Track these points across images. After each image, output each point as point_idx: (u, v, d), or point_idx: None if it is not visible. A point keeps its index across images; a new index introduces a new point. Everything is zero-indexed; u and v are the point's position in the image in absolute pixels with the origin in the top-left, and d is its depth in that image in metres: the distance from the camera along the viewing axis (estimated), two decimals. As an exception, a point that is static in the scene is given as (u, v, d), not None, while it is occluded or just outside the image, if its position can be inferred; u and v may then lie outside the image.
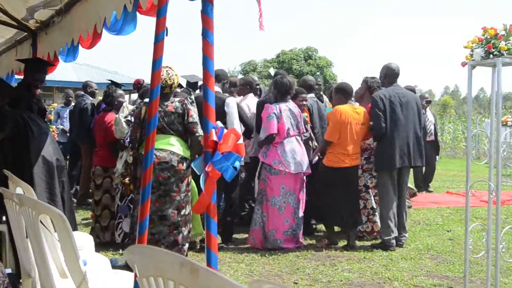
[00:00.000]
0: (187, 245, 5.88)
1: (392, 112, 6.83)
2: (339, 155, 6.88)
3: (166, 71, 5.76)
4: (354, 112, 6.94)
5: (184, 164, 5.74)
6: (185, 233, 5.83)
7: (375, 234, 7.32)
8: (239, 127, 6.84)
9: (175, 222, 5.71)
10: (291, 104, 7.04)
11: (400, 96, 6.90)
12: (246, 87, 8.12)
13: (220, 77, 7.19)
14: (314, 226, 7.90)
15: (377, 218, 7.30)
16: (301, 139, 7.06)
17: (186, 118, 5.75)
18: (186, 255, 5.74)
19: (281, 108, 6.89)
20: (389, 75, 7.04)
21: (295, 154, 6.84)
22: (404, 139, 6.84)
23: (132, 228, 5.95)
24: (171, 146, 5.72)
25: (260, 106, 7.17)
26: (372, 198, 7.40)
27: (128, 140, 6.57)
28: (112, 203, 7.10)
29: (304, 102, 7.52)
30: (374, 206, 7.38)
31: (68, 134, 11.27)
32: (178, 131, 5.77)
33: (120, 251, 6.50)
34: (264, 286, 1.17)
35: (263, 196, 6.93)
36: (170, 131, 5.74)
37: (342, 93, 7.12)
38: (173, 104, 5.78)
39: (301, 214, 6.97)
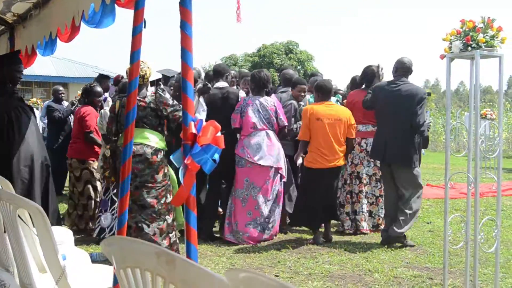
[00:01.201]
0: (173, 233, 5.91)
1: (382, 104, 6.85)
2: (313, 154, 6.83)
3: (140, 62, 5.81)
4: (327, 108, 6.86)
5: (159, 156, 5.80)
6: (169, 221, 5.86)
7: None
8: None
9: (156, 211, 5.75)
10: (266, 99, 7.06)
11: (394, 91, 6.74)
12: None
13: (222, 72, 7.35)
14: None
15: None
16: (274, 133, 7.04)
17: (162, 110, 5.80)
18: (174, 243, 5.86)
19: (250, 102, 6.97)
20: (400, 68, 6.85)
21: (260, 148, 6.87)
22: (385, 134, 6.75)
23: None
24: (145, 140, 5.78)
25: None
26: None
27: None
28: (95, 193, 7.30)
29: (303, 94, 7.54)
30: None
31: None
32: (151, 125, 5.84)
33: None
34: (240, 274, 1.17)
35: (233, 187, 7.06)
36: (143, 124, 5.79)
37: (319, 91, 7.00)
38: (146, 99, 5.83)
39: (269, 208, 6.93)
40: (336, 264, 5.89)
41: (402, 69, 6.84)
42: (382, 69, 7.57)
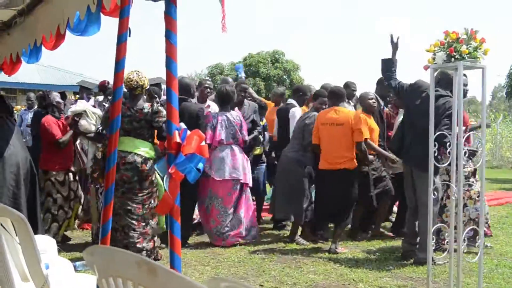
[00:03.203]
0: (157, 237, 6.20)
1: (409, 105, 6.61)
2: (321, 157, 7.07)
3: (136, 73, 6.13)
4: (333, 113, 6.99)
5: (148, 164, 6.08)
6: (154, 225, 6.16)
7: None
8: None
9: (140, 215, 6.02)
10: (231, 114, 7.34)
11: (423, 94, 6.35)
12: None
13: (186, 89, 7.20)
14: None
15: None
16: (239, 147, 7.32)
17: (156, 122, 6.09)
18: (156, 247, 6.18)
19: (219, 119, 7.27)
20: (442, 79, 6.36)
21: (224, 162, 7.18)
22: (410, 136, 6.48)
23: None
24: (136, 149, 6.05)
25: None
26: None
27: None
28: (53, 206, 7.13)
29: (324, 106, 7.57)
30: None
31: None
32: (143, 136, 6.13)
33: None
34: (221, 284, 1.17)
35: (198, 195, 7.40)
36: (136, 135, 6.09)
37: (329, 97, 7.22)
38: (143, 110, 6.09)
39: (230, 217, 7.19)
40: (320, 273, 5.89)
41: (446, 80, 6.27)
42: (398, 38, 6.72)
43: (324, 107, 7.55)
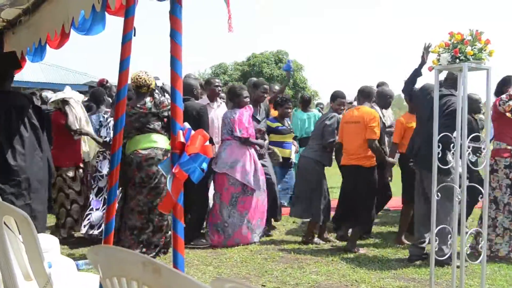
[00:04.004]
0: (170, 232, 6.25)
1: (418, 108, 6.79)
2: (343, 154, 7.27)
3: (145, 72, 6.37)
4: (355, 111, 7.12)
5: (169, 156, 6.08)
6: (170, 221, 6.22)
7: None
8: None
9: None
10: (232, 111, 7.50)
11: (428, 96, 6.35)
12: None
13: (188, 89, 7.13)
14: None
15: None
16: (237, 143, 7.42)
17: (163, 112, 6.33)
18: (168, 243, 6.34)
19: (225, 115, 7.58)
20: (449, 79, 6.49)
21: (219, 156, 7.40)
22: (416, 139, 6.61)
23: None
24: (154, 143, 6.29)
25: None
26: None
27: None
28: (66, 200, 7.25)
29: (342, 107, 7.73)
30: None
31: None
32: (155, 129, 6.33)
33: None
34: (225, 285, 1.17)
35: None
36: (149, 129, 6.30)
37: (358, 95, 7.42)
38: (146, 105, 6.30)
39: (228, 213, 7.24)
40: (323, 274, 5.89)
41: (451, 79, 6.32)
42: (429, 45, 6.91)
43: (342, 108, 7.75)
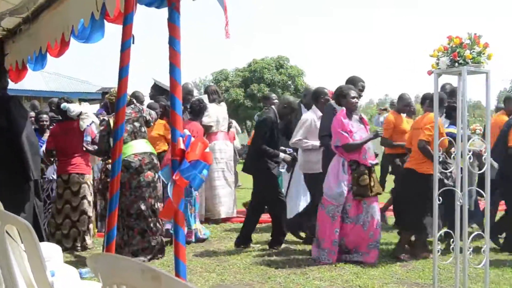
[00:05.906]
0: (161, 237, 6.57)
1: None
2: None
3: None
4: (420, 118, 7.19)
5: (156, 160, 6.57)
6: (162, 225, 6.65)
7: None
8: None
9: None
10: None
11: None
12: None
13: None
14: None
15: None
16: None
17: (146, 116, 6.62)
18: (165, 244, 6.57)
19: None
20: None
21: None
22: None
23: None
24: (146, 148, 6.47)
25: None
26: None
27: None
28: (72, 212, 7.24)
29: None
30: None
31: None
32: (142, 135, 6.51)
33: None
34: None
35: None
36: (141, 134, 6.48)
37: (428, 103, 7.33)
38: (134, 109, 6.55)
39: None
40: (326, 280, 5.87)
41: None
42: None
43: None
